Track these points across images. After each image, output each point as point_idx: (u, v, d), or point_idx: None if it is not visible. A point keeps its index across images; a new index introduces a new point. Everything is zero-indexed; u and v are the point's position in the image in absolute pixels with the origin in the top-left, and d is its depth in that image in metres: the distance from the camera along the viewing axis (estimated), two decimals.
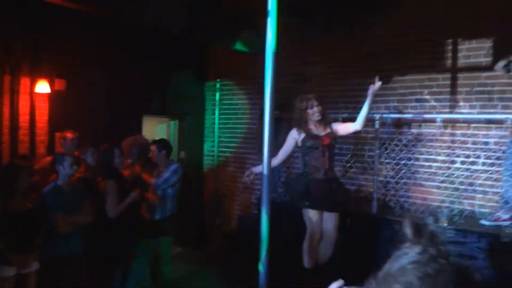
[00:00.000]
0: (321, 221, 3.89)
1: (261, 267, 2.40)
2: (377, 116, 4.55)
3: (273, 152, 4.83)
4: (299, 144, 3.97)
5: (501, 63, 3.96)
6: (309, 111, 3.89)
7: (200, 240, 6.54)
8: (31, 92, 4.93)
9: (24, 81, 4.88)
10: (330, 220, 3.89)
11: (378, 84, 3.68)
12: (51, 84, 5.03)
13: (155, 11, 3.95)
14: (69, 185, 3.58)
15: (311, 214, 3.86)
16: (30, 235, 3.32)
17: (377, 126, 4.55)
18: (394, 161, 4.81)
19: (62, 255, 3.40)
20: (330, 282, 1.12)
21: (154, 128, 7.08)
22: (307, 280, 3.87)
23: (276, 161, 4.02)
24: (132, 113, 5.81)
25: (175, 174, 4.39)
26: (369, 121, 4.74)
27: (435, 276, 0.68)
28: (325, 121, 3.97)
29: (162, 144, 4.50)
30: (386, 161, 4.88)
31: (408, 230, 0.86)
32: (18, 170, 3.35)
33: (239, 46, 4.94)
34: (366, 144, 5.08)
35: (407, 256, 0.75)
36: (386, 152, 4.84)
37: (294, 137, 3.97)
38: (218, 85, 6.68)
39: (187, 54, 6.30)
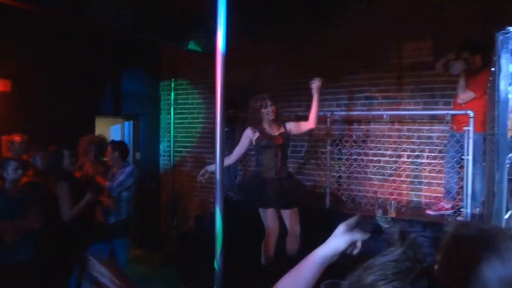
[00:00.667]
0: (277, 220, 3.94)
1: (216, 265, 2.45)
2: (329, 114, 4.70)
3: (227, 151, 4.91)
4: (253, 143, 4.01)
5: (440, 62, 4.21)
6: (263, 110, 3.91)
7: (157, 241, 6.48)
8: None
9: None
10: (288, 217, 3.97)
11: (317, 82, 3.80)
12: None
13: (102, 10, 3.88)
14: (15, 190, 3.45)
15: (267, 213, 3.92)
16: None
17: (328, 123, 4.70)
18: (345, 157, 5.00)
19: (9, 263, 3.27)
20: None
21: (108, 129, 6.93)
22: (262, 276, 3.95)
23: (230, 160, 4.07)
24: (84, 114, 5.66)
25: (131, 176, 4.32)
26: (321, 118, 4.91)
27: (406, 273, 0.78)
28: (279, 120, 4.02)
29: (117, 145, 4.43)
30: (338, 157, 5.06)
31: (396, 236, 0.95)
32: None
33: (192, 46, 4.94)
34: (319, 141, 5.24)
35: (389, 255, 0.85)
36: (337, 148, 5.02)
37: (248, 136, 4.00)
38: (173, 85, 6.64)
39: (140, 54, 6.22)
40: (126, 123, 6.87)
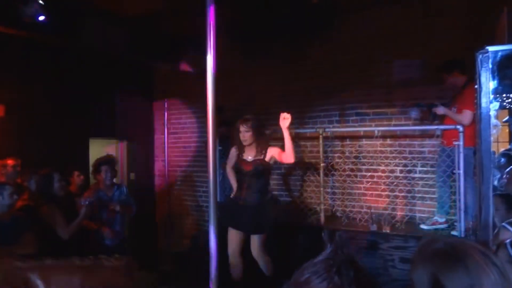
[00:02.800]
0: (237, 242, 3.90)
1: (211, 285, 2.45)
2: (321, 131, 4.74)
3: (222, 170, 4.93)
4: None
5: (414, 112, 4.28)
6: (240, 134, 3.83)
7: (153, 260, 6.43)
8: None
9: None
10: (252, 242, 3.89)
11: (286, 119, 3.62)
12: None
13: (94, 35, 3.94)
14: (9, 215, 3.43)
15: (229, 234, 3.91)
16: None
17: (321, 140, 4.74)
18: (339, 173, 5.03)
19: None
20: None
21: (102, 151, 6.92)
22: None
23: (228, 170, 4.15)
24: (78, 136, 5.68)
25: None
26: (313, 135, 4.97)
27: (338, 269, 0.84)
28: (259, 146, 3.85)
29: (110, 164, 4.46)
30: (332, 173, 5.09)
31: (326, 238, 1.00)
32: None
33: (183, 67, 5.00)
34: (312, 158, 5.28)
35: (320, 256, 0.91)
36: (330, 164, 5.06)
37: (233, 154, 4.02)
38: (166, 105, 6.69)
39: (133, 75, 6.28)
40: (120, 143, 6.87)
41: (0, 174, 4.45)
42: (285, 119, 3.62)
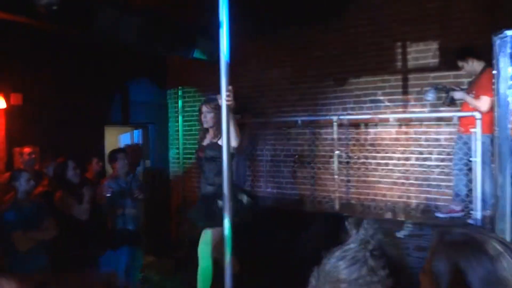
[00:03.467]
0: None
1: (227, 270, 2.48)
2: (335, 118, 4.71)
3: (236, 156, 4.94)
4: None
5: (430, 94, 4.20)
6: (201, 115, 3.45)
7: (168, 247, 6.52)
8: None
9: None
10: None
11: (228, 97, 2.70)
12: (7, 99, 4.92)
13: (109, 23, 3.95)
14: (29, 201, 3.53)
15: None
16: None
17: (335, 127, 4.70)
18: (353, 161, 5.00)
19: (21, 272, 3.34)
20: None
21: (117, 138, 7.02)
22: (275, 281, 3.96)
23: None
24: (93, 124, 5.76)
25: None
26: (327, 122, 4.94)
27: (371, 254, 0.86)
28: (218, 130, 3.33)
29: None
30: (346, 160, 5.06)
31: (351, 226, 1.00)
32: None
33: (197, 55, 4.99)
34: (326, 145, 5.25)
35: (350, 242, 0.91)
36: (345, 152, 5.02)
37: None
38: (180, 93, 6.71)
39: (146, 63, 6.30)
40: (135, 131, 6.95)
41: (18, 162, 4.55)
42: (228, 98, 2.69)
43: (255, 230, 4.14)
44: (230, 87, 2.53)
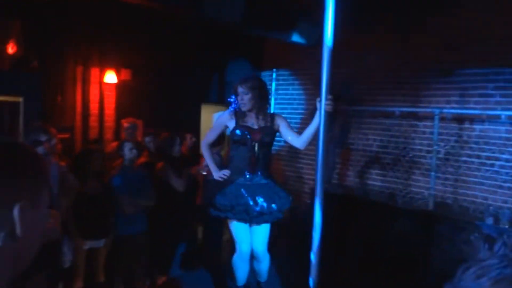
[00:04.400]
0: (249, 234, 3.22)
1: (313, 257, 2.46)
2: (437, 111, 4.41)
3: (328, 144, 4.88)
4: (228, 133, 3.30)
5: None
6: (237, 97, 3.10)
7: None
8: (100, 82, 5.30)
9: (94, 72, 5.25)
10: (256, 234, 3.23)
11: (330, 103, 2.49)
12: (118, 74, 5.36)
13: (216, 6, 4.08)
14: (133, 169, 3.84)
15: (235, 225, 3.19)
16: (101, 215, 3.60)
17: (436, 121, 4.42)
18: (454, 158, 4.66)
19: (128, 233, 3.68)
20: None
21: (212, 116, 7.31)
22: (358, 272, 3.89)
23: (203, 142, 3.41)
24: (192, 101, 6.06)
25: None
26: (427, 115, 4.64)
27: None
28: (262, 113, 3.14)
29: None
30: (445, 157, 4.73)
31: (481, 244, 0.94)
32: (92, 153, 3.65)
33: (295, 38, 4.96)
34: (424, 139, 4.95)
35: (489, 270, 0.85)
36: (444, 147, 4.70)
37: (223, 122, 3.23)
38: (274, 75, 6.76)
39: (243, 45, 6.43)
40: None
41: (124, 133, 4.93)
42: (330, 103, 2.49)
43: (345, 221, 4.09)
44: (330, 96, 2.41)
